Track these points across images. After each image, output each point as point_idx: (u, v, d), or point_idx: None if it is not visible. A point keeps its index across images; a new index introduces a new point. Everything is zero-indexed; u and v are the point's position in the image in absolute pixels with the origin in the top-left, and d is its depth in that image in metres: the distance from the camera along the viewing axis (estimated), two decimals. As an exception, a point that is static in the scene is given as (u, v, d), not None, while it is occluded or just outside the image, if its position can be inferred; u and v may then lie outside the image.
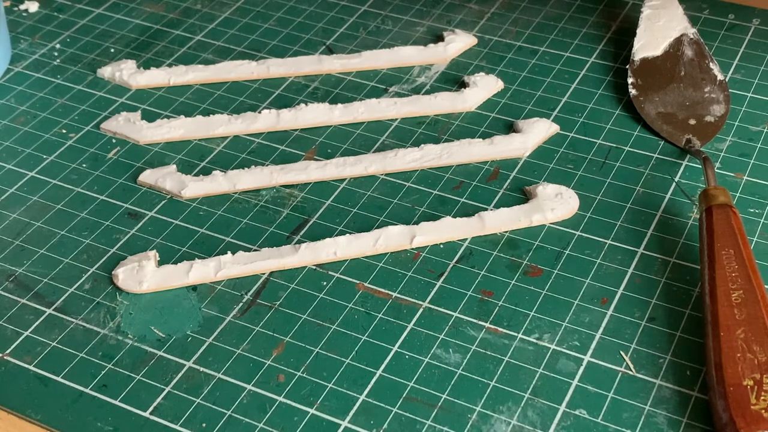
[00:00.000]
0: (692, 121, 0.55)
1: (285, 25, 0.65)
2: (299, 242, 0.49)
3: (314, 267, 0.48)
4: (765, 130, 0.56)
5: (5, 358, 0.44)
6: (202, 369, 0.44)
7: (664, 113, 0.56)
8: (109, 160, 0.55)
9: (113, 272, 0.48)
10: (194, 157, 0.55)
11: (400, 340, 0.45)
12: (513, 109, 0.58)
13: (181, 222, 0.51)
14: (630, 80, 0.58)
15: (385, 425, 0.41)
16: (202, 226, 0.51)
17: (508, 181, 0.53)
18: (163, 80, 0.60)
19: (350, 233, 0.50)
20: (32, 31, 0.66)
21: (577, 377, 0.43)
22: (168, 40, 0.64)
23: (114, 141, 0.56)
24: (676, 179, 0.53)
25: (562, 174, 0.53)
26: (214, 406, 0.42)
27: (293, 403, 0.42)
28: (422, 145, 0.54)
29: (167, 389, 0.43)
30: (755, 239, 0.49)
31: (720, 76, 0.58)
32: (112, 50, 0.64)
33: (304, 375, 0.43)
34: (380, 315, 0.46)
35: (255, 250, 0.49)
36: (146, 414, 0.42)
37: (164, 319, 0.46)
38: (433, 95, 0.58)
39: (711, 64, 0.59)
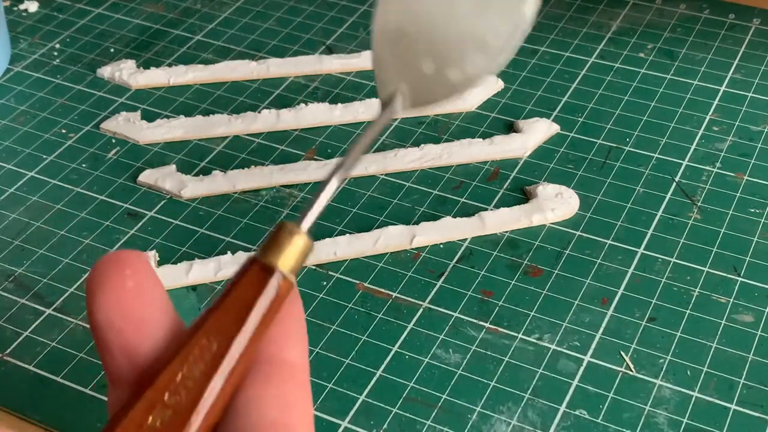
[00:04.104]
0: None
1: (285, 25, 0.65)
2: (299, 242, 0.49)
3: (314, 267, 0.48)
4: (765, 130, 0.56)
5: (5, 358, 0.44)
6: (202, 369, 0.43)
7: None
8: (109, 160, 0.55)
9: (113, 272, 0.48)
10: (194, 157, 0.55)
11: (400, 340, 0.45)
12: (513, 109, 0.58)
13: (181, 222, 0.51)
14: None
15: (385, 425, 0.41)
16: (202, 226, 0.50)
17: (508, 181, 0.53)
18: (163, 80, 0.60)
19: (350, 233, 0.50)
20: (32, 30, 0.65)
21: (578, 377, 0.43)
22: (168, 40, 0.64)
23: (114, 141, 0.56)
24: (676, 179, 0.53)
25: (562, 174, 0.53)
26: (214, 407, 0.42)
27: (293, 404, 0.42)
28: (422, 145, 0.54)
29: (167, 389, 0.43)
30: (755, 239, 0.49)
31: None
32: (112, 50, 0.64)
33: (304, 375, 0.43)
34: (380, 315, 0.46)
35: (255, 250, 0.49)
36: (146, 414, 0.42)
37: (164, 319, 0.46)
38: (433, 95, 0.58)
39: None
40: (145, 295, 0.24)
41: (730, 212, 0.51)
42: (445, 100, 0.28)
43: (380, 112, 0.28)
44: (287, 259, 0.25)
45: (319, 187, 0.27)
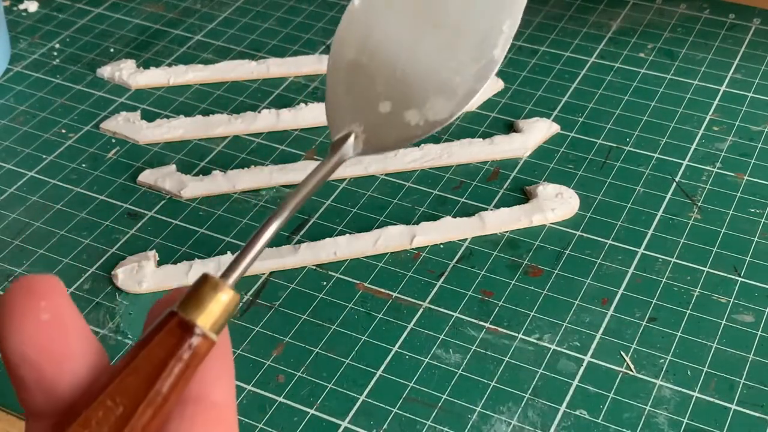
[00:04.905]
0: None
1: (285, 24, 0.65)
2: (299, 242, 0.49)
3: (314, 267, 0.48)
4: (765, 130, 0.56)
5: (5, 358, 0.44)
6: (201, 369, 0.43)
7: None
8: (109, 160, 0.55)
9: (113, 272, 0.48)
10: (194, 157, 0.55)
11: (400, 340, 0.45)
12: (513, 109, 0.58)
13: (180, 222, 0.51)
14: None
15: (385, 425, 0.41)
16: (202, 226, 0.50)
17: (508, 181, 0.53)
18: (163, 80, 0.60)
19: (350, 233, 0.50)
20: (32, 30, 0.65)
21: (578, 377, 0.43)
22: (168, 40, 0.64)
23: (113, 141, 0.56)
24: (677, 179, 0.53)
25: (563, 174, 0.53)
26: (213, 407, 0.42)
27: (293, 404, 0.42)
28: (422, 145, 0.54)
29: (167, 389, 0.43)
30: (755, 239, 0.49)
31: None
32: (112, 50, 0.64)
33: (304, 375, 0.43)
34: (380, 315, 0.46)
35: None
36: (146, 414, 0.42)
37: (164, 319, 0.46)
38: (433, 95, 0.58)
39: None
40: (63, 327, 0.22)
41: (731, 212, 0.50)
42: (402, 145, 0.26)
43: (330, 155, 0.26)
44: (209, 315, 0.23)
45: (252, 237, 0.24)
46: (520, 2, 0.26)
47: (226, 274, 0.23)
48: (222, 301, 0.23)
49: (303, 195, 0.25)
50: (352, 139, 0.26)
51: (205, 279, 0.23)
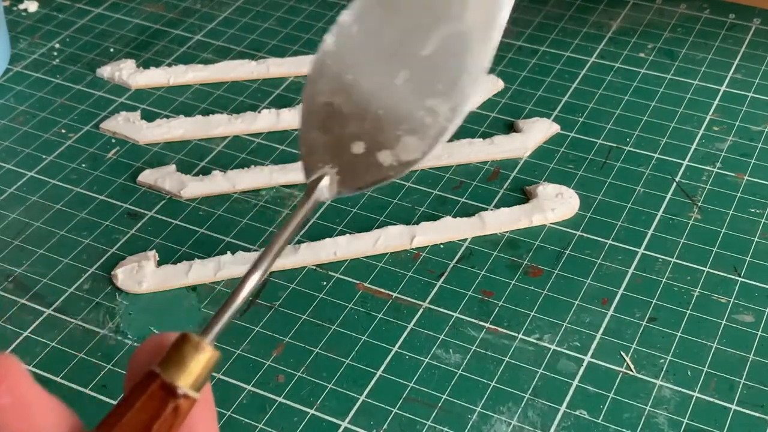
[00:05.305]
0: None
1: (285, 24, 0.65)
2: (299, 242, 0.49)
3: (314, 267, 0.48)
4: (765, 130, 0.56)
5: (4, 358, 0.44)
6: (201, 369, 0.43)
7: None
8: (109, 160, 0.55)
9: (113, 272, 0.48)
10: (194, 157, 0.55)
11: (400, 341, 0.44)
12: (513, 109, 0.58)
13: (180, 222, 0.51)
14: None
15: (385, 426, 0.41)
16: (202, 226, 0.50)
17: (508, 181, 0.53)
18: (163, 80, 0.60)
19: (350, 233, 0.50)
20: (31, 30, 0.65)
21: (578, 377, 0.43)
22: (167, 40, 0.64)
23: (113, 141, 0.56)
24: (677, 179, 0.53)
25: (563, 174, 0.53)
26: (213, 407, 0.42)
27: (293, 404, 0.42)
28: (422, 145, 0.54)
29: (167, 389, 0.43)
30: (755, 239, 0.49)
31: None
32: (112, 50, 0.63)
33: (304, 375, 0.43)
34: (380, 315, 0.46)
35: (255, 250, 0.49)
36: (146, 414, 0.42)
37: (164, 320, 0.46)
38: (433, 95, 0.58)
39: None
40: (26, 407, 0.22)
41: (731, 212, 0.51)
42: (376, 184, 0.26)
43: (305, 198, 0.26)
44: (190, 375, 0.23)
45: (233, 290, 0.24)
46: (492, 42, 0.26)
47: (206, 331, 0.24)
48: (202, 360, 0.23)
49: (281, 244, 0.25)
50: (326, 181, 0.26)
51: (185, 338, 0.23)
